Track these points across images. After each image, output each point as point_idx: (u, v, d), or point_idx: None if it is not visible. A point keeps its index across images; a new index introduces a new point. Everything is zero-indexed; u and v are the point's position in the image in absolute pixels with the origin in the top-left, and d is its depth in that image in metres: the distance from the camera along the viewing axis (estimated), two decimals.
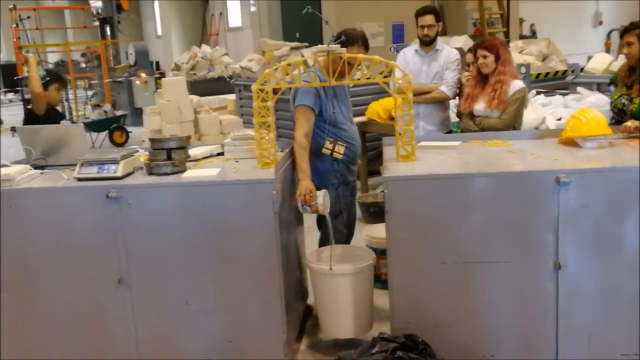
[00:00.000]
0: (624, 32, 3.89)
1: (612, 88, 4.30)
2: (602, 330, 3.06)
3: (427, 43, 4.86)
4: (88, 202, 3.22)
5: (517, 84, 4.20)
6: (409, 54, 5.00)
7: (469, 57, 4.76)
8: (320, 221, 3.97)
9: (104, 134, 11.26)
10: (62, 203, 3.24)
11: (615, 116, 3.99)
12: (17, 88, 16.09)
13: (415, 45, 5.06)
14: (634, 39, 3.79)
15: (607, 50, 13.98)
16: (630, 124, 3.56)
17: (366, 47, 3.81)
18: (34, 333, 3.37)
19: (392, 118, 5.59)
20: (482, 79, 4.31)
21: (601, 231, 2.98)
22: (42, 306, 3.34)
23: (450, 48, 5.03)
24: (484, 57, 4.21)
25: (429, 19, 4.83)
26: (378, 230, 4.27)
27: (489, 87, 4.24)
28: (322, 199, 3.51)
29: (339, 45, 3.48)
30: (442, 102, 4.95)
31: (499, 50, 4.19)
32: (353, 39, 3.76)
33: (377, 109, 6.40)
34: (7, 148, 5.50)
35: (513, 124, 4.19)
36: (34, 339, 3.38)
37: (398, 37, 10.65)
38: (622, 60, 6.49)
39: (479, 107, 4.27)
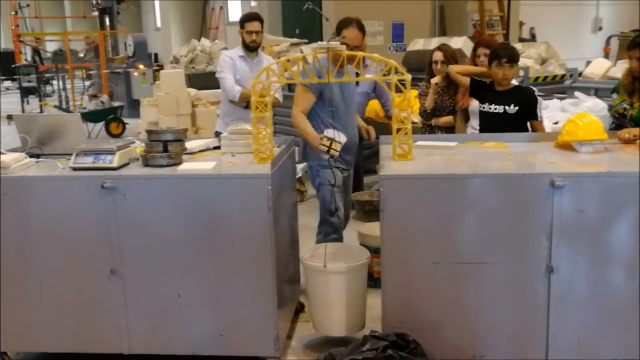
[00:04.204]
0: (633, 46, 3.90)
1: (614, 95, 4.32)
2: (592, 334, 3.08)
3: (253, 49, 4.94)
4: (83, 191, 3.21)
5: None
6: (236, 58, 4.97)
7: (438, 55, 4.85)
8: (322, 221, 3.99)
9: (100, 125, 11.24)
10: (57, 192, 3.24)
11: (615, 121, 4.04)
12: (15, 76, 16.04)
13: (238, 50, 5.04)
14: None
15: (606, 56, 14.00)
16: (627, 135, 3.58)
17: (361, 29, 3.96)
18: (25, 322, 3.37)
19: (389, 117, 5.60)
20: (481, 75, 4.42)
21: (594, 235, 2.99)
22: (34, 295, 3.33)
23: (272, 59, 5.24)
24: (485, 55, 4.37)
25: (256, 25, 4.90)
26: (372, 229, 4.28)
27: None
28: (334, 135, 3.56)
29: (338, 42, 3.48)
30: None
31: None
32: (346, 21, 3.93)
33: (376, 107, 6.40)
34: (3, 136, 5.49)
35: None
36: (25, 327, 3.38)
37: (398, 36, 10.65)
38: (620, 66, 6.52)
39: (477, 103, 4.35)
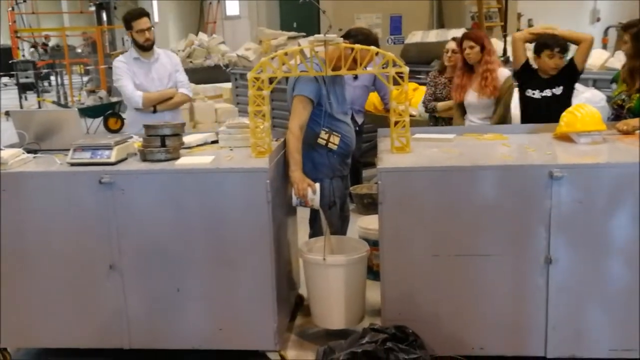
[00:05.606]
0: None
1: (613, 85, 4.33)
2: (591, 325, 3.08)
3: (149, 48, 4.54)
4: (81, 187, 3.21)
5: (505, 72, 4.49)
6: (130, 62, 4.56)
7: (451, 45, 4.89)
8: (313, 218, 3.96)
9: (98, 120, 11.21)
10: (55, 188, 3.23)
11: (614, 112, 4.04)
12: (12, 72, 15.99)
13: (131, 52, 4.61)
14: None
15: (604, 47, 13.97)
16: (625, 126, 3.58)
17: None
18: (25, 318, 3.37)
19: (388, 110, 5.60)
20: (469, 69, 4.51)
21: (593, 226, 2.99)
22: (33, 292, 3.33)
23: (169, 51, 4.93)
24: (471, 47, 4.42)
25: (145, 21, 4.48)
26: (372, 222, 4.28)
27: (477, 76, 4.44)
28: (316, 193, 3.53)
29: (335, 35, 3.46)
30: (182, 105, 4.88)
31: (484, 41, 4.43)
32: (371, 41, 3.66)
33: (374, 100, 6.39)
34: (1, 132, 5.48)
35: (506, 114, 4.40)
36: (25, 323, 3.38)
37: (396, 29, 10.62)
38: (618, 56, 6.50)
39: (471, 97, 4.42)
